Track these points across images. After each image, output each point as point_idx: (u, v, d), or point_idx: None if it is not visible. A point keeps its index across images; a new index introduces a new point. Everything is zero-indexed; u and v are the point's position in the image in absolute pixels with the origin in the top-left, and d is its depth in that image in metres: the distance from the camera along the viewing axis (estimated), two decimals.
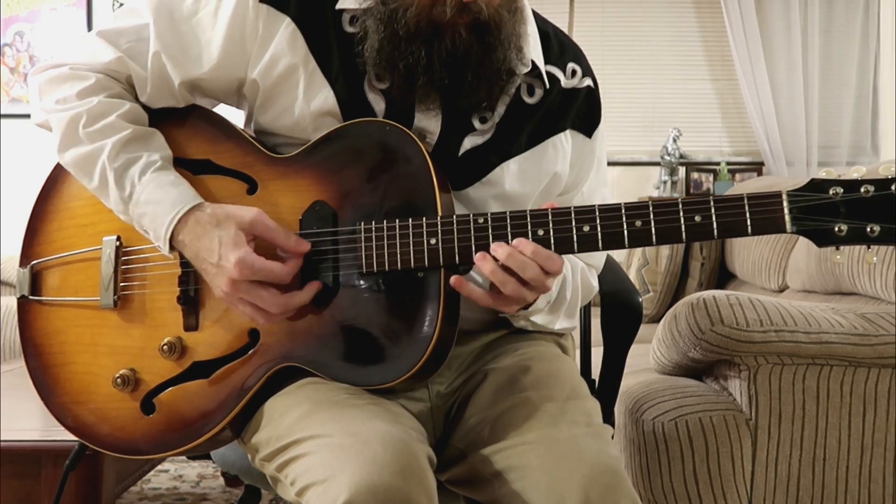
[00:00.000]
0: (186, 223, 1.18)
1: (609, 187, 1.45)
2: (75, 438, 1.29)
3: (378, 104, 1.23)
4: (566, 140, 1.32)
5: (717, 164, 4.72)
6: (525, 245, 1.11)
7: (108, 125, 1.23)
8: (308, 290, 1.17)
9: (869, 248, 1.07)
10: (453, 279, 1.12)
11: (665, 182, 4.65)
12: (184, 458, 3.08)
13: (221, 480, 2.90)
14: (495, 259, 1.12)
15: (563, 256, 1.30)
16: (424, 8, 1.16)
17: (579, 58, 1.35)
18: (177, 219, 1.18)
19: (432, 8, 1.16)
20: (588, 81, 1.34)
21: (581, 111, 1.33)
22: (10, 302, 3.12)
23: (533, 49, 1.26)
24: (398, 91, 1.21)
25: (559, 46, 1.33)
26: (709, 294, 1.62)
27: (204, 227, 1.17)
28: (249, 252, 1.15)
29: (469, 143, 1.25)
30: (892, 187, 1.04)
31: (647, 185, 4.77)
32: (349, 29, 1.24)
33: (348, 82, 1.23)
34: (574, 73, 1.33)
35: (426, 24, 1.16)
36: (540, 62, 1.27)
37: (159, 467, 3.03)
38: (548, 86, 1.28)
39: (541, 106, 1.28)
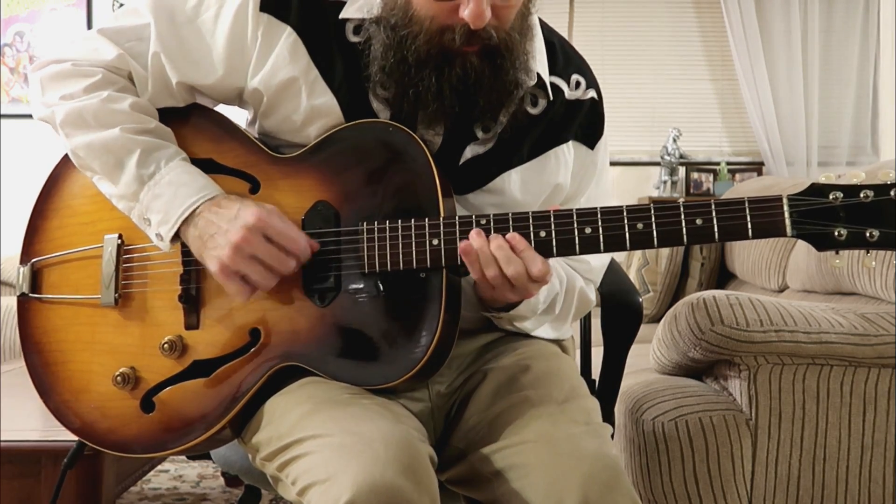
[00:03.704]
0: (212, 201, 1.18)
1: (611, 197, 1.44)
2: (75, 438, 1.29)
3: (382, 113, 1.23)
4: (568, 151, 1.32)
5: (717, 164, 4.72)
6: (517, 241, 1.12)
7: (122, 112, 1.23)
8: (306, 248, 1.16)
9: (868, 252, 1.08)
10: (463, 243, 1.13)
11: (665, 182, 4.65)
12: (184, 458, 3.08)
13: (221, 480, 2.90)
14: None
15: (563, 269, 1.31)
16: (434, 35, 1.16)
17: (584, 69, 1.35)
18: (203, 200, 1.18)
19: (442, 35, 1.15)
20: (592, 93, 1.33)
21: (584, 123, 1.33)
22: (10, 302, 3.12)
23: (539, 61, 1.26)
24: (408, 118, 1.21)
25: (564, 58, 1.33)
26: (709, 294, 1.62)
27: (230, 200, 1.18)
28: (269, 212, 1.16)
29: (470, 151, 1.25)
30: (892, 192, 1.05)
31: (647, 185, 4.77)
32: (353, 38, 1.24)
33: (352, 91, 1.23)
34: (578, 84, 1.32)
35: (437, 51, 1.16)
36: (545, 73, 1.27)
37: (159, 467, 3.03)
38: (551, 97, 1.28)
39: (544, 117, 1.28)
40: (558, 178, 1.31)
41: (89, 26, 4.55)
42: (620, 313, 1.55)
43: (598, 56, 4.56)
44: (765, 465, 1.60)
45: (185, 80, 1.27)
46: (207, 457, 1.51)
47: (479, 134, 1.25)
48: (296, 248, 1.15)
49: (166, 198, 1.19)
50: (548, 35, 1.32)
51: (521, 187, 1.28)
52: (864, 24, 4.64)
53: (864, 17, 4.64)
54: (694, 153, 4.78)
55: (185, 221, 1.18)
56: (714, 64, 4.80)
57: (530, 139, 1.28)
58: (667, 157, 4.63)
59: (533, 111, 1.27)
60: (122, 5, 4.41)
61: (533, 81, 1.24)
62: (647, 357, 1.84)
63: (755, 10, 4.58)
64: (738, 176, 4.72)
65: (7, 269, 3.62)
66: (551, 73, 1.29)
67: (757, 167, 4.74)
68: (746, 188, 3.53)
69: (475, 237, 1.13)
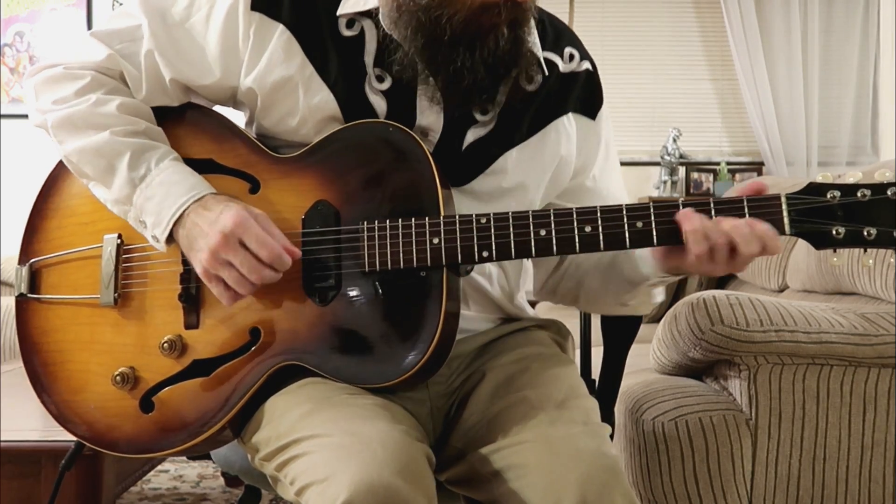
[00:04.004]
0: (200, 202, 1.18)
1: (620, 175, 1.44)
2: (75, 438, 1.29)
3: (379, 105, 1.23)
4: (569, 123, 1.32)
5: (717, 163, 4.72)
6: (758, 223, 1.08)
7: (111, 115, 1.23)
8: (281, 257, 1.15)
9: (865, 250, 1.09)
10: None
11: (665, 182, 4.65)
12: (184, 458, 3.08)
13: (221, 480, 2.90)
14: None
15: None
16: (474, 14, 1.16)
17: (576, 42, 1.35)
18: (192, 200, 1.18)
19: (482, 13, 1.16)
20: (587, 65, 1.34)
21: (581, 94, 1.33)
22: (11, 302, 3.12)
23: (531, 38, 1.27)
24: (407, 110, 1.22)
25: (555, 33, 1.33)
26: (709, 294, 1.62)
27: (216, 202, 1.18)
28: (251, 217, 1.15)
29: (472, 135, 1.25)
30: (889, 192, 1.05)
31: (647, 185, 4.77)
32: (346, 32, 1.24)
33: (348, 85, 1.23)
34: (572, 57, 1.33)
35: (474, 28, 1.17)
36: (538, 50, 1.27)
37: (159, 467, 3.03)
38: (546, 72, 1.28)
39: (540, 92, 1.28)
40: (560, 150, 1.31)
41: (89, 26, 4.55)
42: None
43: (599, 56, 4.49)
44: (765, 465, 1.60)
45: (179, 78, 1.27)
46: (207, 457, 1.50)
47: (479, 116, 1.25)
48: (270, 258, 1.14)
49: (158, 199, 1.19)
50: (537, 13, 1.32)
51: (524, 164, 1.28)
52: (864, 24, 4.64)
53: (864, 17, 4.64)
54: (694, 153, 4.78)
55: (177, 222, 1.19)
56: (714, 64, 4.80)
57: (529, 116, 1.28)
58: (667, 157, 4.63)
59: (529, 88, 1.27)
60: (122, 5, 4.41)
61: (524, 58, 1.24)
62: (647, 357, 1.83)
63: (755, 10, 4.58)
64: (738, 176, 4.72)
65: (7, 269, 3.62)
66: (543, 49, 1.29)
67: (757, 167, 4.74)
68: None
69: (697, 215, 1.09)
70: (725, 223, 1.09)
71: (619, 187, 1.41)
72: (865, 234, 1.06)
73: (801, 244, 2.56)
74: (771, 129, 4.60)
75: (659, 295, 1.35)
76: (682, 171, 4.73)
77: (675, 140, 4.63)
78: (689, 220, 1.09)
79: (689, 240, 1.10)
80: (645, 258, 1.23)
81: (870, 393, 1.61)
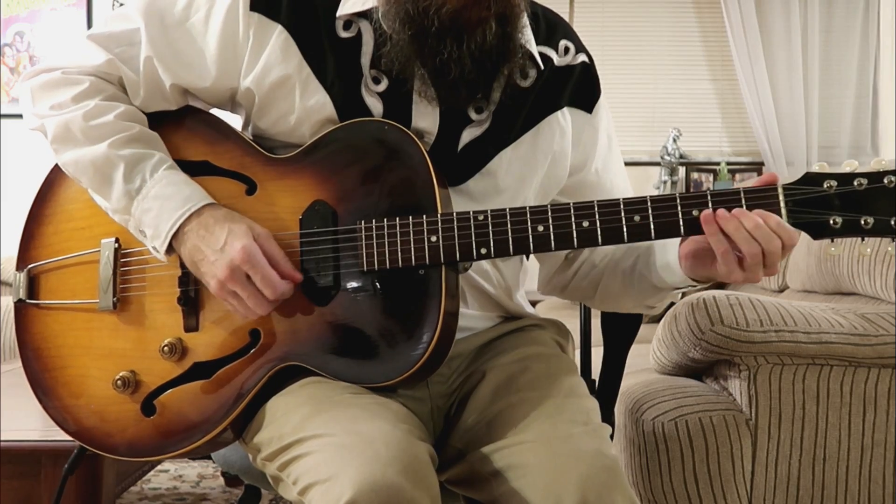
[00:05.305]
0: (200, 215, 1.18)
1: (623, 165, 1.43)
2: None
3: (376, 107, 1.23)
4: (564, 118, 1.31)
5: (717, 164, 4.72)
6: (770, 218, 1.08)
7: (107, 124, 1.23)
8: (285, 292, 1.17)
9: (863, 240, 1.09)
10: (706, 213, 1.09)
11: (665, 182, 4.65)
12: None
13: (221, 480, 2.90)
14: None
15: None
16: (464, 7, 1.15)
17: (570, 35, 1.34)
18: (188, 214, 1.18)
19: (471, 7, 1.15)
20: (582, 57, 1.33)
21: (577, 87, 1.32)
22: (11, 302, 3.12)
23: (524, 34, 1.26)
24: (403, 110, 1.21)
25: (549, 26, 1.33)
26: (709, 294, 1.62)
27: (217, 221, 1.18)
28: (256, 246, 1.15)
29: (468, 135, 1.25)
30: (885, 180, 1.06)
31: (647, 185, 4.77)
32: (343, 34, 1.24)
33: (345, 87, 1.23)
34: (567, 50, 1.32)
35: (463, 21, 1.16)
36: (532, 45, 1.27)
37: (159, 467, 3.04)
38: (542, 67, 1.28)
39: (535, 88, 1.28)
40: (553, 146, 1.30)
41: (89, 26, 4.55)
42: (621, 313, 1.55)
43: (599, 56, 4.51)
44: (765, 465, 1.60)
45: (179, 83, 1.27)
46: (207, 456, 1.51)
47: (474, 115, 1.25)
48: (273, 296, 1.16)
49: (154, 212, 1.20)
50: (529, 7, 1.32)
51: (518, 162, 1.27)
52: (864, 24, 4.64)
53: (864, 17, 4.64)
54: (694, 153, 4.78)
55: (175, 236, 1.19)
56: (714, 64, 4.80)
57: (523, 113, 1.27)
58: (667, 157, 4.63)
59: (524, 84, 1.27)
60: (122, 5, 4.41)
61: (517, 55, 1.23)
62: (647, 357, 1.84)
63: (755, 10, 4.58)
64: (738, 176, 4.72)
65: (7, 269, 3.62)
66: (537, 42, 1.29)
67: (757, 167, 4.74)
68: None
69: (727, 213, 1.08)
70: (744, 217, 1.08)
71: (623, 179, 1.41)
72: (862, 223, 1.07)
73: (801, 244, 2.56)
74: (771, 129, 4.60)
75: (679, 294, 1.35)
76: (682, 171, 4.72)
77: (675, 140, 4.63)
78: (705, 215, 1.09)
79: (706, 232, 1.10)
80: (671, 269, 1.23)
81: (870, 393, 1.61)
